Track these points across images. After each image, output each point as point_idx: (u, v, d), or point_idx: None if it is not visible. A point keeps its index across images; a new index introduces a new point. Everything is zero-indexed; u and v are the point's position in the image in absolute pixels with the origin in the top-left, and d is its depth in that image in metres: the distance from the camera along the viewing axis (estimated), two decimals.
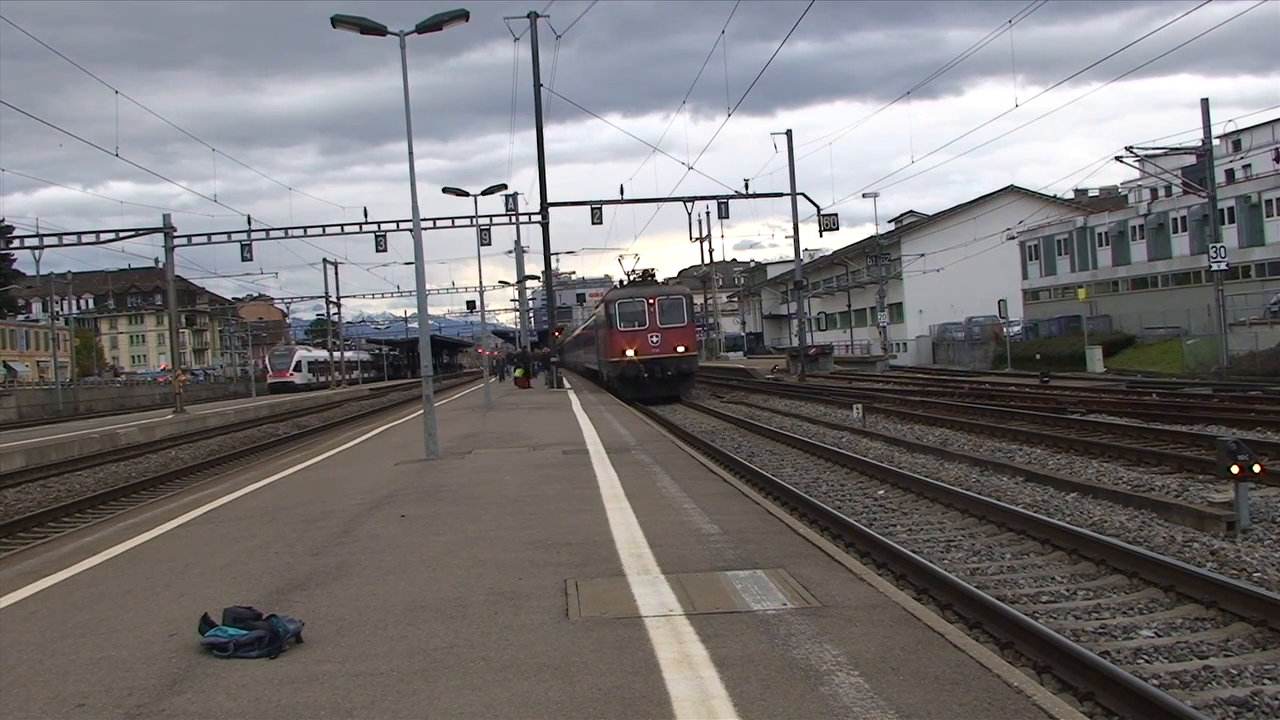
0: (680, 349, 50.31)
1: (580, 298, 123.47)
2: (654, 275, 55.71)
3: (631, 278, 55.36)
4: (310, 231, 59.74)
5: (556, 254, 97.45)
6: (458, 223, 58.50)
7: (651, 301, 50.40)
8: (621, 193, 60.13)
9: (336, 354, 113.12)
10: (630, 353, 49.73)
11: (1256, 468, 13.93)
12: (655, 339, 49.83)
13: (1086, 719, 7.16)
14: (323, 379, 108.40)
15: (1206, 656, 9.10)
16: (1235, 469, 13.85)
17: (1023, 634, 9.32)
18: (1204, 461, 18.33)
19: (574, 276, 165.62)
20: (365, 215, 71.94)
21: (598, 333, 61.53)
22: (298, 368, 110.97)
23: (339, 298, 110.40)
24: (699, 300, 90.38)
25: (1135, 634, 9.90)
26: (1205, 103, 51.44)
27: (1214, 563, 12.26)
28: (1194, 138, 53.68)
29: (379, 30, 22.83)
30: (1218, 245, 50.93)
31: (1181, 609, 10.55)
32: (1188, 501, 15.62)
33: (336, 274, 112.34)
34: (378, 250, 60.34)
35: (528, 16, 56.55)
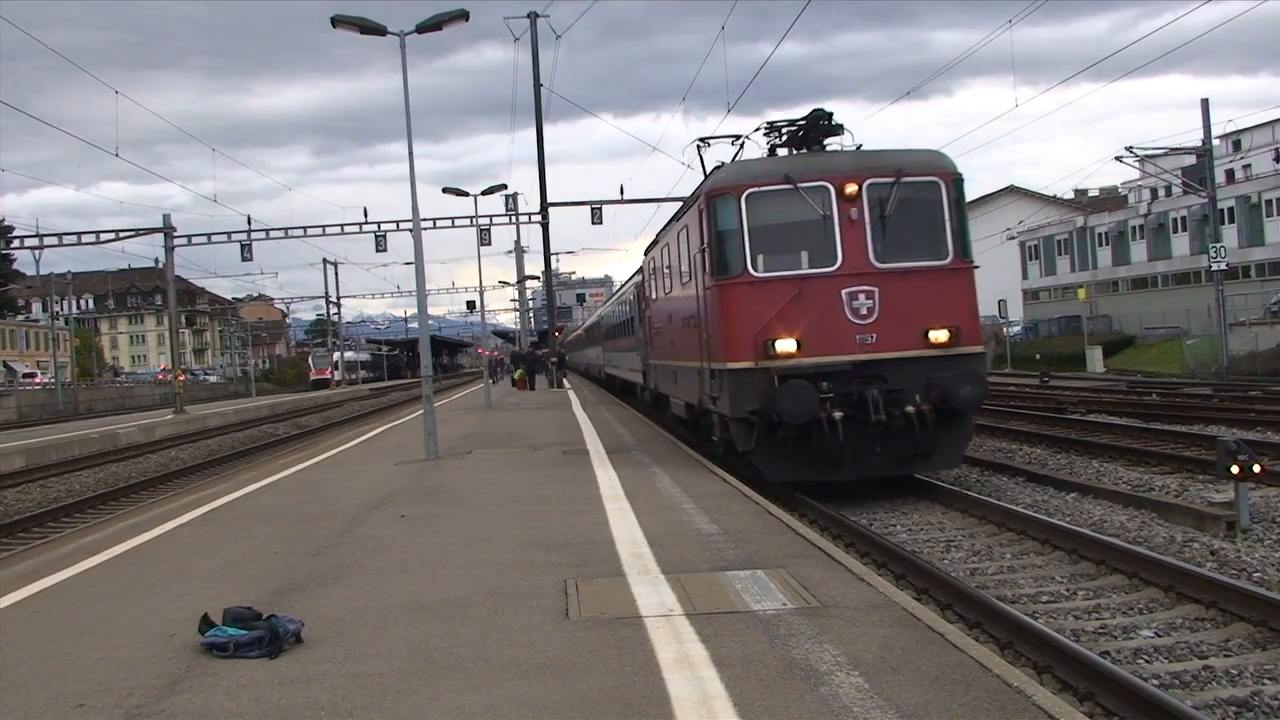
0: (940, 335, 17.19)
1: (580, 298, 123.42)
2: (839, 130, 19.23)
3: (779, 135, 19.87)
4: (310, 231, 59.80)
5: (556, 254, 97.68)
6: (457, 223, 58.53)
7: (853, 191, 17.32)
8: (621, 192, 60.04)
9: (338, 354, 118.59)
10: (786, 346, 17.04)
11: (1256, 468, 13.92)
12: (866, 304, 17.13)
13: (1086, 719, 7.17)
14: (353, 375, 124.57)
15: (1206, 656, 9.10)
16: (1235, 469, 13.85)
17: (1023, 634, 9.32)
18: (1204, 461, 18.32)
19: (574, 277, 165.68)
20: (365, 215, 71.95)
21: (652, 305, 29.26)
22: (335, 366, 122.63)
23: (339, 298, 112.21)
24: None
25: (1135, 634, 9.90)
26: (1205, 103, 51.45)
27: (1214, 563, 12.25)
28: (1187, 138, 53.87)
29: (379, 30, 22.85)
30: (1218, 245, 50.92)
31: (1181, 609, 10.55)
32: (1188, 501, 15.62)
33: (336, 274, 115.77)
34: (378, 250, 60.46)
35: (528, 17, 56.56)
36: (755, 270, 17.24)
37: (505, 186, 50.71)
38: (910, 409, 16.53)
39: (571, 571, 10.49)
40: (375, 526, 14.06)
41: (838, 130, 19.00)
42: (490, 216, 58.14)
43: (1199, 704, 7.85)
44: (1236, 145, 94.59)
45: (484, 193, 46.62)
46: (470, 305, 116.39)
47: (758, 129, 19.83)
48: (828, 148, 18.89)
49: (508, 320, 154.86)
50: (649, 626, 8.32)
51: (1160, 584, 11.18)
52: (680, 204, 23.93)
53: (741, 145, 21.43)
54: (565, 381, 61.12)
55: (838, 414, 16.32)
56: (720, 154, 21.44)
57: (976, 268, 17.78)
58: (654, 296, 28.64)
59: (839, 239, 17.05)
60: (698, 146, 22.33)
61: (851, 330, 16.90)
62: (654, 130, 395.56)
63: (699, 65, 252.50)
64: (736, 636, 7.96)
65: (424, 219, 39.11)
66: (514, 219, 59.90)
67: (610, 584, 9.90)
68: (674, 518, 13.50)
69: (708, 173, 20.01)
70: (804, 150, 19.03)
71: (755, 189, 17.44)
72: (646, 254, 30.79)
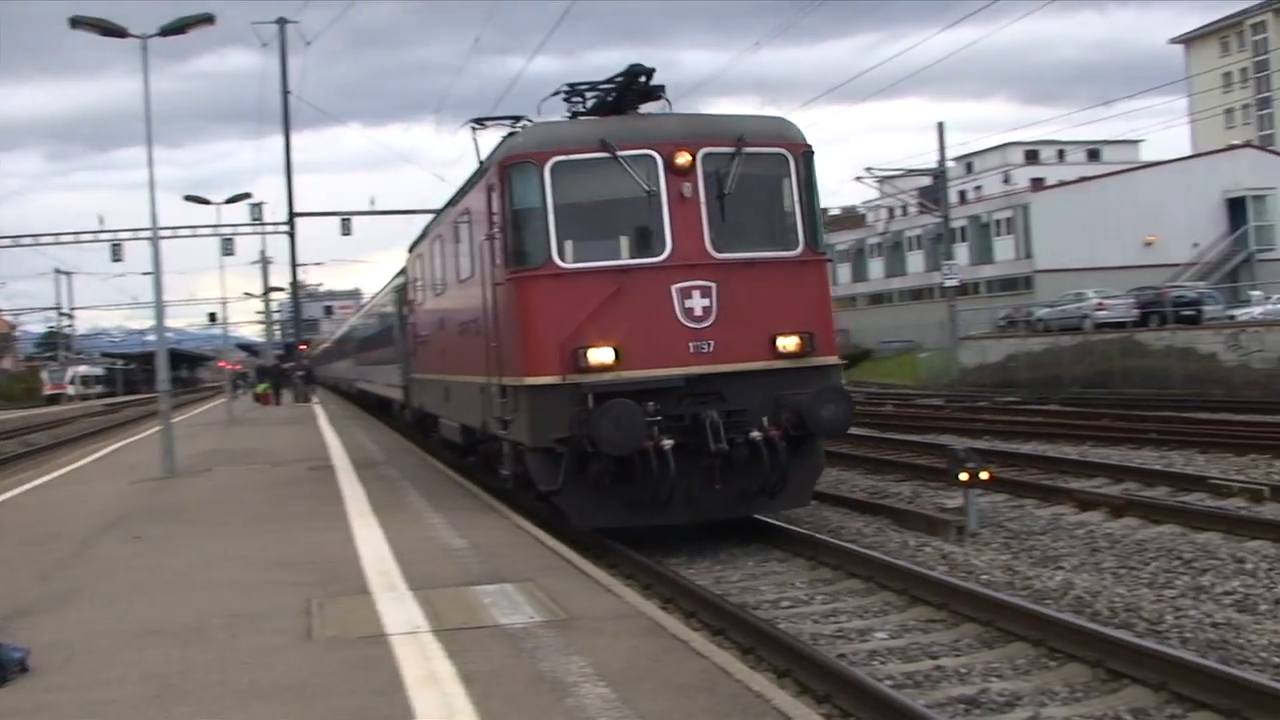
0: (790, 342, 14.02)
1: (328, 310, 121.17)
2: (659, 92, 15.28)
3: (587, 97, 15.66)
4: (41, 240, 57.33)
5: (304, 265, 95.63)
6: (199, 232, 56.92)
7: (685, 162, 13.91)
8: (372, 204, 59.38)
9: (73, 369, 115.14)
10: (602, 356, 13.57)
11: (984, 475, 14.57)
12: (702, 304, 13.77)
13: None
14: (89, 390, 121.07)
15: (938, 656, 9.47)
16: (964, 476, 14.45)
17: (764, 639, 9.52)
18: (936, 469, 19.05)
19: (321, 289, 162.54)
20: (101, 223, 69.17)
21: (418, 310, 25.66)
22: (71, 380, 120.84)
23: (71, 309, 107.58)
24: None
25: (871, 636, 10.23)
26: (940, 127, 53.96)
27: (945, 566, 12.76)
28: (924, 160, 56.12)
29: (120, 32, 22.06)
30: (950, 263, 53.38)
31: (915, 611, 10.95)
32: (920, 508, 16.26)
33: (70, 285, 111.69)
34: (114, 260, 58.49)
35: (277, 22, 55.50)
36: (562, 260, 13.79)
37: (250, 195, 49.67)
38: (756, 435, 13.39)
39: (315, 590, 10.28)
40: (108, 548, 13.52)
41: (658, 93, 15.15)
42: (234, 226, 56.78)
43: (931, 703, 8.16)
44: (969, 167, 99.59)
45: (228, 201, 45.58)
46: (212, 317, 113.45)
47: (556, 93, 15.71)
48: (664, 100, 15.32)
49: (252, 333, 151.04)
50: (394, 644, 8.22)
51: (895, 587, 11.59)
52: (437, 210, 20.92)
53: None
54: (313, 396, 59.77)
55: (667, 442, 12.98)
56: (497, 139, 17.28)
57: (830, 260, 15.09)
58: (420, 300, 24.80)
59: (668, 222, 13.72)
60: (472, 128, 17.98)
61: (684, 336, 13.58)
62: (405, 141, 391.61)
63: (452, 77, 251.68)
64: (484, 651, 7.93)
65: (164, 228, 37.86)
66: (259, 229, 58.52)
67: (355, 602, 9.75)
68: (422, 533, 13.40)
69: (488, 147, 16.16)
70: (630, 94, 15.18)
71: (563, 157, 13.89)
72: (412, 250, 26.91)
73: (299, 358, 62.84)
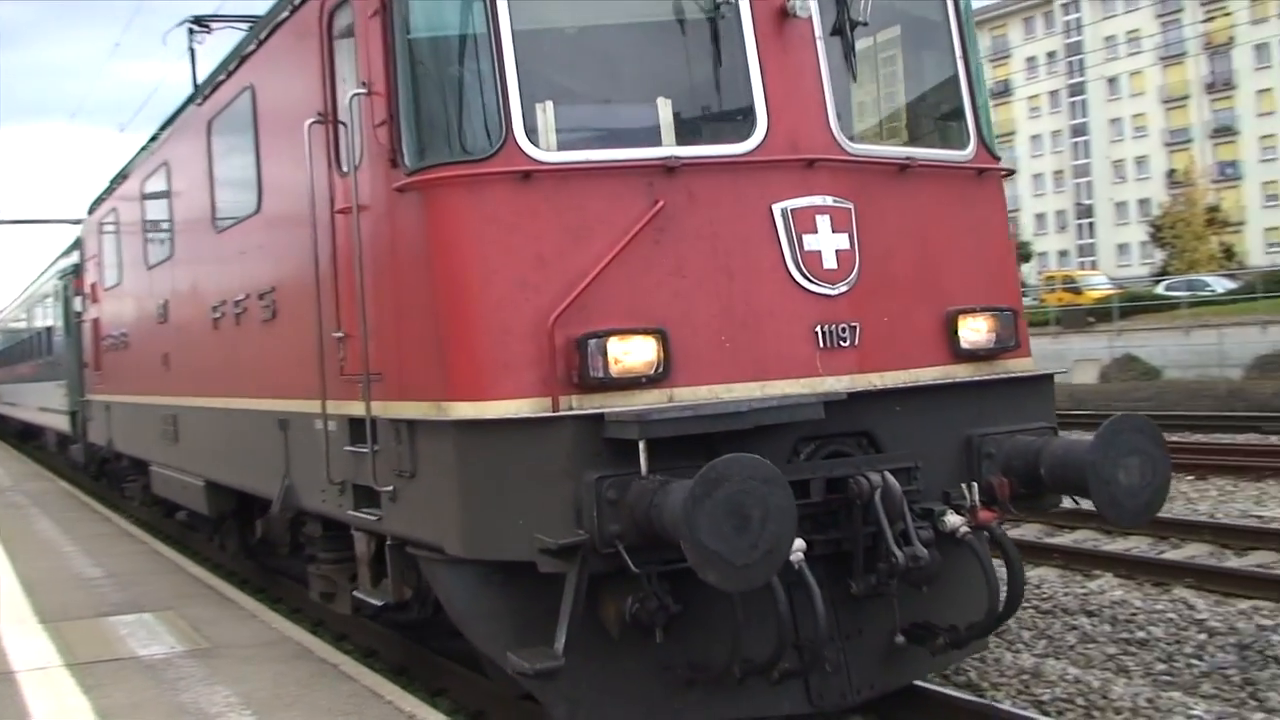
0: (978, 328, 7.08)
1: None
2: None
3: None
4: None
5: None
6: None
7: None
8: None
9: None
10: (634, 353, 6.11)
11: None
12: (835, 244, 6.47)
13: None
14: None
15: None
16: None
17: (417, 659, 9.50)
18: None
19: None
20: None
21: (108, 295, 17.03)
22: None
23: None
24: None
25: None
26: None
27: None
28: None
29: None
30: None
31: None
32: None
33: None
34: None
35: None
36: (534, 143, 6.42)
37: None
38: (954, 521, 6.46)
39: None
40: None
41: None
42: None
43: None
44: None
45: None
46: None
47: None
48: None
49: None
50: (22, 682, 7.82)
51: None
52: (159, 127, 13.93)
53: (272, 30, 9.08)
54: None
55: (798, 549, 5.75)
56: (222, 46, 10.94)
57: (1010, 173, 8.57)
58: (115, 280, 16.25)
59: (758, 74, 6.65)
60: (190, 30, 12.21)
61: (805, 311, 6.55)
62: (42, 145, 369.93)
63: (87, 83, 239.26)
64: (122, 685, 7.64)
65: None
66: None
67: None
68: (53, 562, 12.80)
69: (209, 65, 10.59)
70: None
71: None
72: (95, 210, 18.33)
73: None
